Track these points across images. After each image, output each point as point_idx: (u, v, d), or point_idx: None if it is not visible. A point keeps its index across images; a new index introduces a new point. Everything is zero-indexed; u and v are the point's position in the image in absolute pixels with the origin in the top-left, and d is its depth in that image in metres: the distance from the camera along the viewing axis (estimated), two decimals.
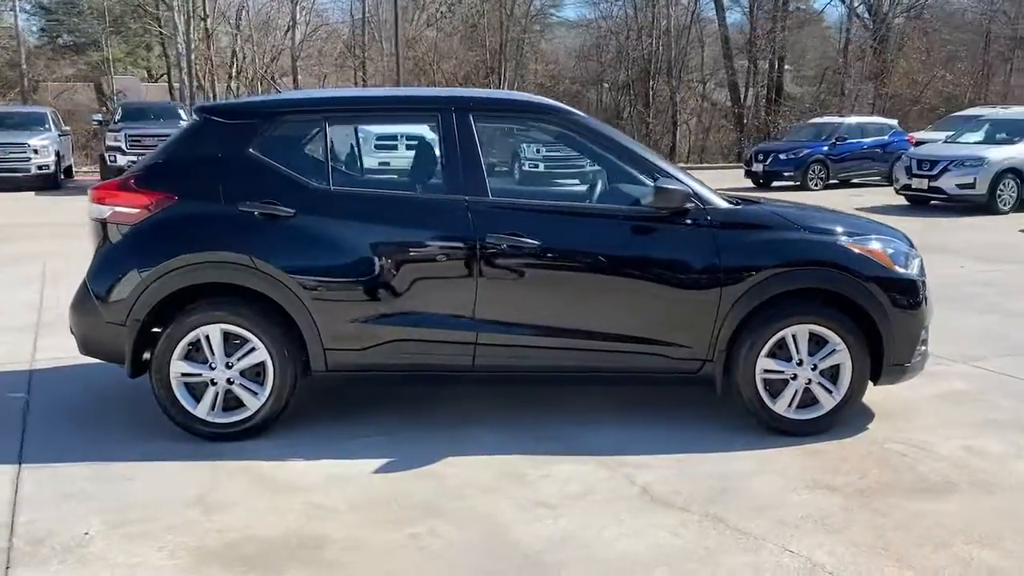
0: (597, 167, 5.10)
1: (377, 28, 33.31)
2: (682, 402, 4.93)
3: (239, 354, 4.31)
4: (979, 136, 16.06)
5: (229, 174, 4.35)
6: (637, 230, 4.41)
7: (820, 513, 3.65)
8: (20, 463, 4.11)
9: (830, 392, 4.47)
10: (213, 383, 4.31)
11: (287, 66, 30.31)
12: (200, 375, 4.32)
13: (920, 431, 4.60)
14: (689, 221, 4.38)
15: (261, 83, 30.01)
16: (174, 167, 4.43)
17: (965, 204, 14.82)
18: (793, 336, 4.42)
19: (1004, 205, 14.66)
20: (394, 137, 17.42)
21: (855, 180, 20.15)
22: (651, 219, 4.39)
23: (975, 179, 14.59)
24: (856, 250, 4.46)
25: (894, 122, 21.36)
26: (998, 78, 37.78)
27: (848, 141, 19.84)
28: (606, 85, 34.87)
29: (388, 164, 13.77)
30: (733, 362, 4.42)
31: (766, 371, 4.44)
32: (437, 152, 4.74)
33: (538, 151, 17.01)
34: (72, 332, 4.55)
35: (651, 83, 32.83)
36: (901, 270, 4.53)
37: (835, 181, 19.68)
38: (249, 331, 4.28)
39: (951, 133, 17.02)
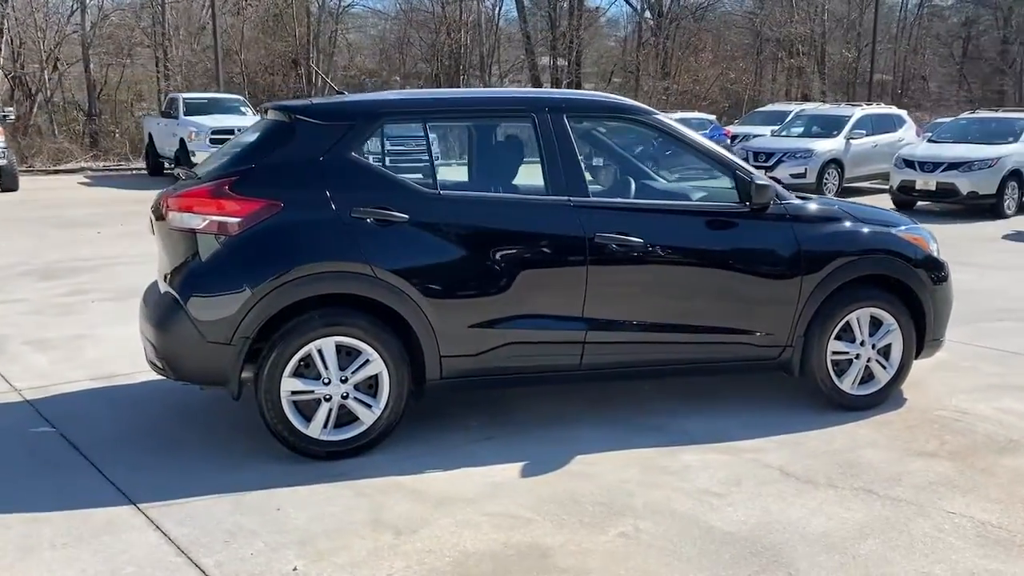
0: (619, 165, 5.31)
1: (168, 14, 31.16)
2: (739, 386, 5.22)
3: (353, 367, 4.10)
4: (799, 130, 17.73)
5: (335, 179, 4.10)
6: (729, 225, 4.63)
7: (942, 477, 4.04)
8: (134, 503, 3.69)
9: (884, 368, 4.92)
10: (327, 399, 4.07)
11: (77, 54, 27.64)
12: (312, 392, 4.06)
13: (948, 398, 5.15)
14: (771, 216, 4.66)
15: (44, 70, 27.21)
16: (273, 172, 4.11)
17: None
18: (857, 319, 4.83)
19: (829, 193, 16.27)
20: (230, 131, 16.63)
21: None
22: (740, 215, 4.63)
23: (806, 169, 16.15)
24: (905, 237, 4.94)
25: (713, 117, 23.02)
26: (768, 76, 41.65)
27: None
28: (420, 80, 34.74)
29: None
30: (809, 346, 4.75)
31: (834, 352, 4.82)
32: (520, 152, 4.76)
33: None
34: (158, 354, 4.10)
35: (462, 78, 33.17)
36: (935, 254, 5.06)
37: None
38: (364, 342, 4.08)
39: (776, 127, 18.63)
